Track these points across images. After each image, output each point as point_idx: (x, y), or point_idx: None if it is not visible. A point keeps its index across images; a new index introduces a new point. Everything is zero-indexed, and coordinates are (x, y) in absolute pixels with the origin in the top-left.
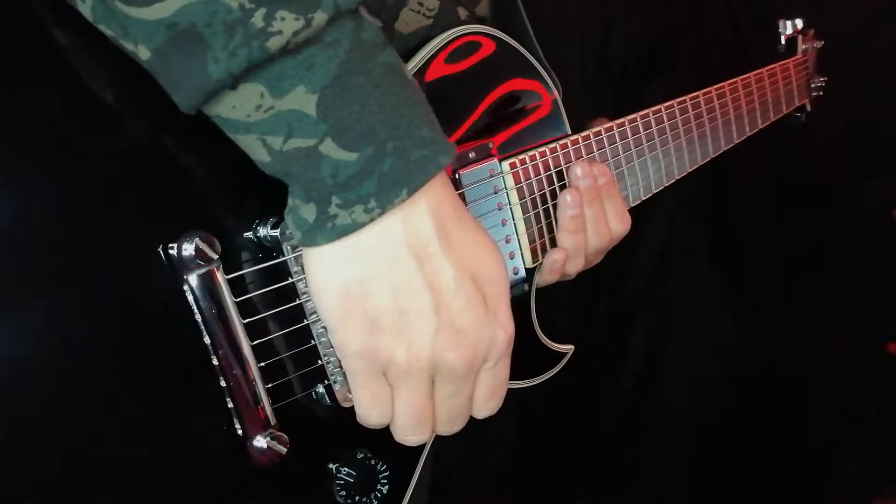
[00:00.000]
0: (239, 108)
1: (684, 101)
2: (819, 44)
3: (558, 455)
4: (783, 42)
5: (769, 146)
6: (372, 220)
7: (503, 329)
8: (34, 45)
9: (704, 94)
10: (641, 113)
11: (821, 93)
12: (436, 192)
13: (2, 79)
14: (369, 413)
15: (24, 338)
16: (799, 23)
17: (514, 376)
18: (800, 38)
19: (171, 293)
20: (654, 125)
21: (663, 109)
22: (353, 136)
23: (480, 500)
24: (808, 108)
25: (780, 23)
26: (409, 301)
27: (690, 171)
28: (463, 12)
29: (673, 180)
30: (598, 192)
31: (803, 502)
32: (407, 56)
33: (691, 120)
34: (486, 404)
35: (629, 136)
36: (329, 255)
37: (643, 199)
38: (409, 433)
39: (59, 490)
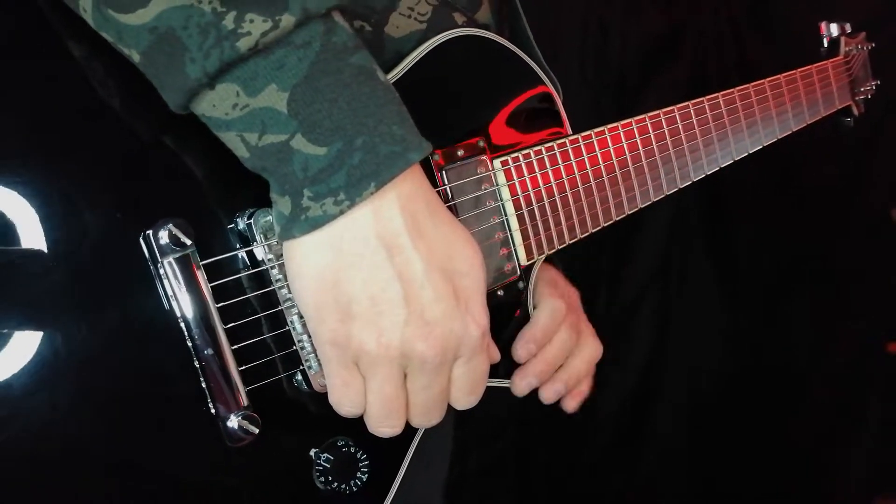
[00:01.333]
0: (218, 106)
1: (716, 98)
2: (869, 45)
3: (558, 455)
4: (825, 45)
5: (769, 146)
6: (342, 212)
7: (475, 323)
8: (23, 42)
9: (725, 95)
10: (653, 114)
11: (869, 96)
12: (407, 185)
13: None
14: (341, 401)
15: (8, 324)
16: (847, 26)
17: (509, 374)
18: (843, 39)
19: (149, 278)
20: (665, 126)
21: (676, 110)
22: (323, 131)
23: (480, 500)
24: (856, 111)
25: (824, 25)
26: (379, 290)
27: (708, 173)
28: (460, 17)
29: (674, 189)
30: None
31: (803, 501)
32: (399, 58)
33: (709, 121)
34: (465, 398)
35: (636, 136)
36: (304, 246)
37: (640, 206)
38: (382, 424)
39: (33, 468)
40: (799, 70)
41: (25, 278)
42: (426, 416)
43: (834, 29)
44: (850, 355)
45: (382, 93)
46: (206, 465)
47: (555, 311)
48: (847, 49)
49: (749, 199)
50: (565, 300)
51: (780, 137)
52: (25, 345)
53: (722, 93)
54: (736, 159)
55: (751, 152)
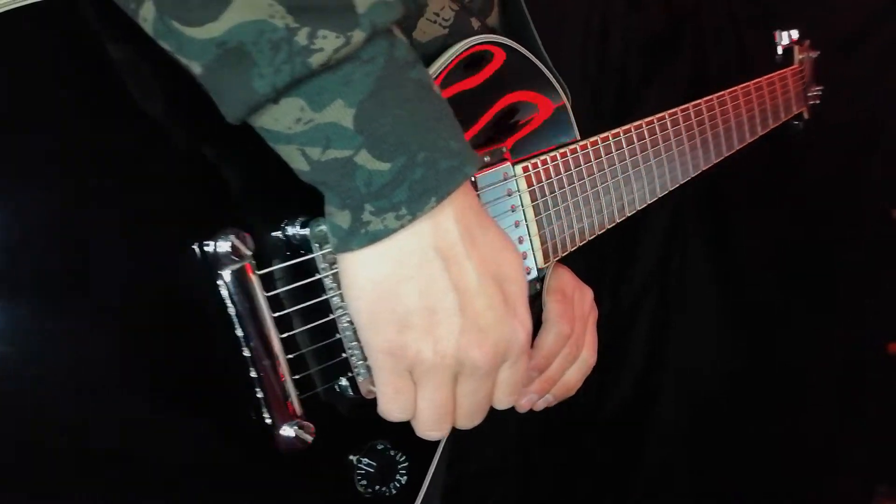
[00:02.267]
0: (280, 120)
1: (687, 109)
2: (815, 53)
3: (558, 455)
4: (780, 52)
5: (769, 146)
6: (402, 226)
7: (522, 327)
8: (82, 54)
9: (707, 101)
10: (646, 120)
11: (818, 101)
12: (461, 198)
13: (46, 82)
14: (392, 408)
15: (61, 333)
16: (795, 33)
17: None
18: (796, 48)
19: (204, 288)
20: (658, 132)
21: (667, 117)
22: (387, 147)
23: (480, 500)
24: (806, 116)
25: (777, 33)
26: (436, 301)
27: (693, 175)
28: (476, 23)
29: (677, 185)
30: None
31: (803, 501)
32: (425, 64)
33: (694, 127)
34: (507, 399)
35: (635, 141)
36: (361, 259)
37: (648, 202)
38: (432, 428)
39: (89, 477)
40: (765, 78)
41: (76, 291)
42: (470, 418)
43: (785, 37)
44: (850, 355)
45: (440, 107)
46: (255, 474)
47: (559, 337)
48: (800, 57)
49: (748, 199)
50: (574, 311)
51: (748, 142)
52: (80, 356)
53: (704, 99)
54: (713, 163)
55: (725, 156)
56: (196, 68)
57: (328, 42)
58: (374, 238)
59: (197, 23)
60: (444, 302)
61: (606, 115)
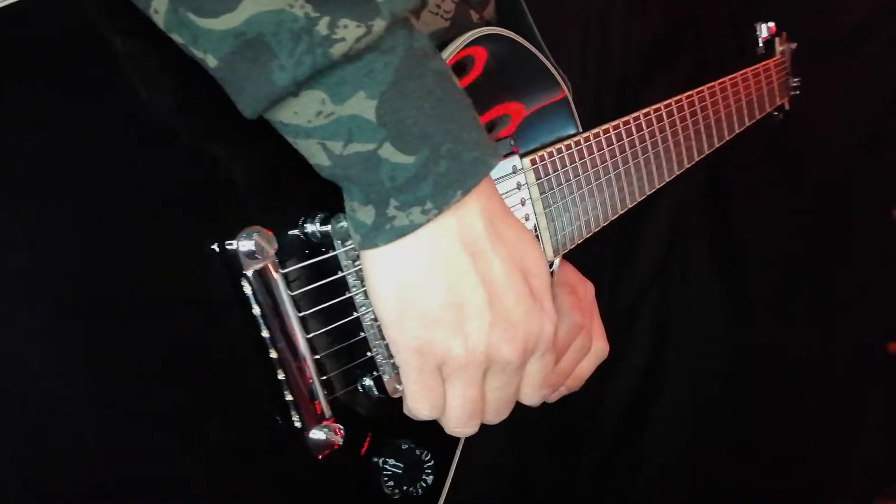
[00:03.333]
0: (300, 113)
1: (680, 100)
2: (793, 45)
3: (558, 455)
4: (761, 44)
5: (770, 146)
6: (428, 220)
7: (549, 320)
8: (94, 51)
9: (698, 92)
10: (643, 111)
11: (797, 92)
12: (484, 190)
13: (60, 83)
14: (422, 407)
15: (86, 332)
16: (772, 25)
17: None
18: (777, 39)
19: (227, 288)
20: (655, 123)
21: (652, 112)
22: (411, 139)
23: (479, 499)
24: (787, 107)
25: (757, 26)
26: (465, 296)
27: (688, 167)
28: (475, 15)
29: (673, 175)
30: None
31: (803, 502)
32: None
33: (688, 118)
34: (537, 392)
35: (634, 133)
36: (387, 255)
37: (638, 200)
38: (462, 425)
39: (115, 479)
40: (750, 69)
41: (100, 291)
42: (498, 413)
43: (765, 29)
44: (850, 355)
45: (461, 98)
46: (278, 476)
47: (572, 327)
48: (781, 48)
49: (749, 199)
50: (582, 303)
51: (737, 132)
52: (102, 357)
53: (695, 90)
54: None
55: (717, 147)
56: (211, 62)
57: (349, 31)
58: (401, 233)
59: (213, 13)
60: (472, 297)
61: (606, 115)
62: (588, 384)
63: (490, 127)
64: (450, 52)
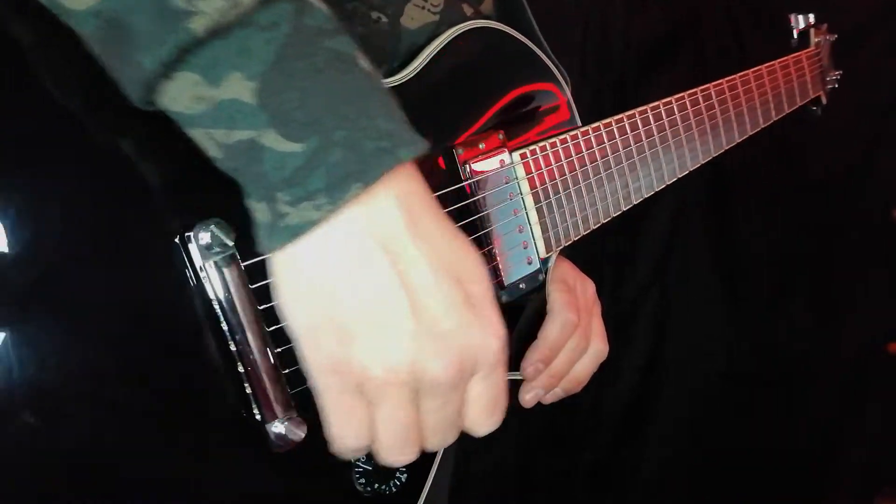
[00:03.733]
0: (178, 99)
1: (695, 94)
2: (832, 37)
3: (558, 455)
4: (795, 36)
5: (770, 145)
6: (323, 217)
7: (494, 333)
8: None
9: (716, 86)
10: (653, 105)
11: (836, 85)
12: (402, 184)
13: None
14: (345, 435)
15: (45, 332)
16: (811, 17)
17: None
18: (812, 31)
19: (187, 281)
20: (664, 117)
21: (674, 101)
22: (297, 125)
23: (480, 500)
24: (824, 100)
25: (793, 17)
26: (381, 302)
27: (703, 162)
28: (468, 9)
29: (686, 171)
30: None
31: (803, 501)
32: (415, 50)
33: (703, 112)
34: (486, 421)
35: (640, 127)
36: (288, 259)
37: (657, 189)
38: (396, 454)
39: (72, 479)
40: (778, 61)
41: (56, 283)
42: (440, 438)
43: (801, 21)
44: (850, 355)
45: (364, 81)
46: (247, 472)
47: (566, 326)
48: (816, 40)
49: (750, 199)
50: (578, 301)
51: (763, 126)
52: (59, 352)
53: (713, 83)
54: (725, 148)
55: (738, 141)
56: (91, 46)
57: (209, 3)
58: (295, 233)
59: None
60: (391, 303)
61: (606, 115)
62: (588, 384)
63: (489, 122)
64: (435, 46)
